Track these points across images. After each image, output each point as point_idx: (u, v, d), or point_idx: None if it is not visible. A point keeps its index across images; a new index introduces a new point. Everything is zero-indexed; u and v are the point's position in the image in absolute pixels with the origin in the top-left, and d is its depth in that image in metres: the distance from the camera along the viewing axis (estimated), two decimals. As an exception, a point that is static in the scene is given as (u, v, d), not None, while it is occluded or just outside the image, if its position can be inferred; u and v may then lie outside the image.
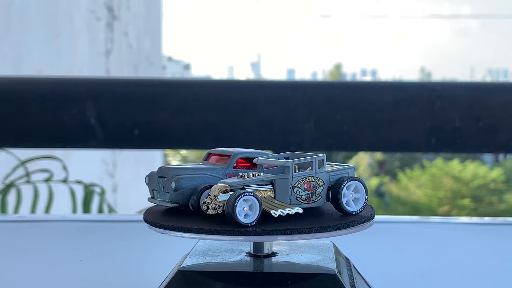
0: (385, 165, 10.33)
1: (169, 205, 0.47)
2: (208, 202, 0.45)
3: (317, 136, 1.17)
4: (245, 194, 0.44)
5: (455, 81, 2.63)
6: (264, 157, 0.50)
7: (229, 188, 0.45)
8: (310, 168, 0.48)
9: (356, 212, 0.48)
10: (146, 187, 0.50)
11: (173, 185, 0.47)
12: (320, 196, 0.48)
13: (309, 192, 0.48)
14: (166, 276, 0.49)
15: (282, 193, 0.47)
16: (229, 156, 0.49)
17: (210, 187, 0.46)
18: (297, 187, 0.47)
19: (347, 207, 0.48)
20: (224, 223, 0.44)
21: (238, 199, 0.44)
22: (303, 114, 1.17)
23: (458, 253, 0.71)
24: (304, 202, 0.47)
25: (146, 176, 0.49)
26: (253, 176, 0.46)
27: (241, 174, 0.47)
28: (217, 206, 0.45)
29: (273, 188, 0.46)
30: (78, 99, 1.19)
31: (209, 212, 0.45)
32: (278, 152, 0.51)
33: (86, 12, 3.20)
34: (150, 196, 0.50)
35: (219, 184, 0.45)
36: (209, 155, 0.51)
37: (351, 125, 1.18)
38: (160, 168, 0.48)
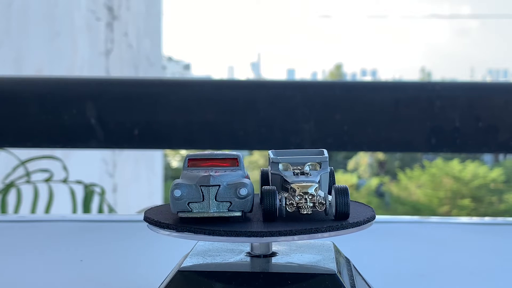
0: (385, 165, 10.33)
1: (230, 214, 0.45)
2: (299, 202, 0.45)
3: (317, 136, 1.16)
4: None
5: (455, 81, 2.63)
6: (278, 156, 0.50)
7: (317, 186, 0.45)
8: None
9: None
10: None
11: (244, 191, 0.44)
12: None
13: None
14: (166, 276, 0.49)
15: (324, 187, 0.48)
16: (233, 158, 0.48)
17: (275, 189, 0.45)
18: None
19: None
20: (314, 221, 0.45)
21: (347, 194, 0.45)
22: (303, 114, 1.17)
23: (458, 253, 0.71)
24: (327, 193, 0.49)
25: (176, 189, 0.44)
26: (309, 173, 0.47)
27: (297, 171, 0.47)
28: (317, 204, 0.45)
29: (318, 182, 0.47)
30: (78, 99, 1.19)
31: (304, 211, 0.45)
32: None
33: (86, 12, 3.20)
34: (180, 210, 0.45)
35: (301, 183, 0.45)
36: (189, 160, 0.48)
37: (351, 125, 1.17)
38: (211, 176, 0.45)
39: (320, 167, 0.49)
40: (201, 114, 1.19)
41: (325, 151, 0.50)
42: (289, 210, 0.45)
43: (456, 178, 7.22)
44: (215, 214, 0.44)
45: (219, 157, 0.49)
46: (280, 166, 0.49)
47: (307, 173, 0.47)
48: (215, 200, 0.45)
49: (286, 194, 0.46)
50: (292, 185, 0.45)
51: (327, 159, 0.48)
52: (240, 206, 0.45)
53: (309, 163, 0.48)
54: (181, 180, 0.45)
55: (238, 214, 0.45)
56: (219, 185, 0.45)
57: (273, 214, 0.44)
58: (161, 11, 5.13)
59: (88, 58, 3.21)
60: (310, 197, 0.45)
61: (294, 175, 0.47)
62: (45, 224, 0.84)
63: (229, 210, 0.45)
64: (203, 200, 0.45)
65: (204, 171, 0.47)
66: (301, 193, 0.45)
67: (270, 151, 0.51)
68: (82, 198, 1.59)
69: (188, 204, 0.45)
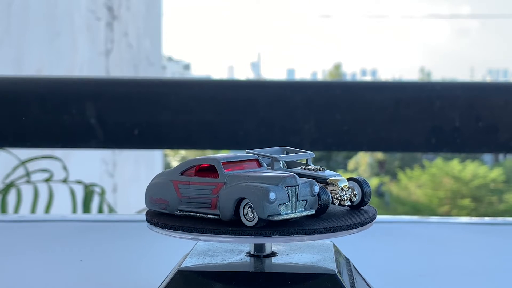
0: (385, 165, 10.33)
1: (307, 213, 0.44)
2: (341, 195, 0.47)
3: (317, 136, 1.16)
4: None
5: (455, 81, 2.63)
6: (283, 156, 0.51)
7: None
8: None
9: None
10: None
11: (317, 189, 0.44)
12: None
13: None
14: (166, 276, 0.49)
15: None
16: (255, 160, 0.48)
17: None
18: None
19: None
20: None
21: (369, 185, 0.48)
22: (303, 114, 1.17)
23: (458, 253, 0.71)
24: None
25: (271, 192, 0.43)
26: (323, 169, 0.49)
27: (316, 168, 0.49)
28: (352, 196, 0.48)
29: None
30: (78, 99, 1.19)
31: (345, 203, 0.47)
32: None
33: (86, 12, 3.20)
34: (272, 213, 0.43)
35: (337, 178, 0.48)
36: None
37: (351, 125, 1.17)
38: (294, 177, 0.44)
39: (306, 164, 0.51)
40: (201, 114, 1.19)
41: (291, 148, 0.53)
42: (335, 204, 0.47)
43: (456, 178, 7.21)
44: (298, 214, 0.44)
45: (244, 159, 0.48)
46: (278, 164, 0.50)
47: (322, 169, 0.49)
48: (295, 200, 0.44)
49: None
50: (330, 180, 0.48)
51: (313, 156, 0.51)
52: (312, 204, 0.45)
53: (281, 161, 0.51)
54: (267, 183, 0.44)
55: (313, 212, 0.45)
56: (297, 185, 0.44)
57: (327, 208, 0.46)
58: (161, 11, 5.14)
59: (88, 58, 3.21)
60: (347, 190, 0.47)
61: (312, 171, 0.49)
62: (45, 224, 0.84)
63: (305, 209, 0.45)
64: (289, 200, 0.44)
65: (251, 172, 0.46)
66: (341, 187, 0.47)
67: (248, 151, 0.51)
68: (82, 198, 1.59)
69: (279, 205, 0.43)
